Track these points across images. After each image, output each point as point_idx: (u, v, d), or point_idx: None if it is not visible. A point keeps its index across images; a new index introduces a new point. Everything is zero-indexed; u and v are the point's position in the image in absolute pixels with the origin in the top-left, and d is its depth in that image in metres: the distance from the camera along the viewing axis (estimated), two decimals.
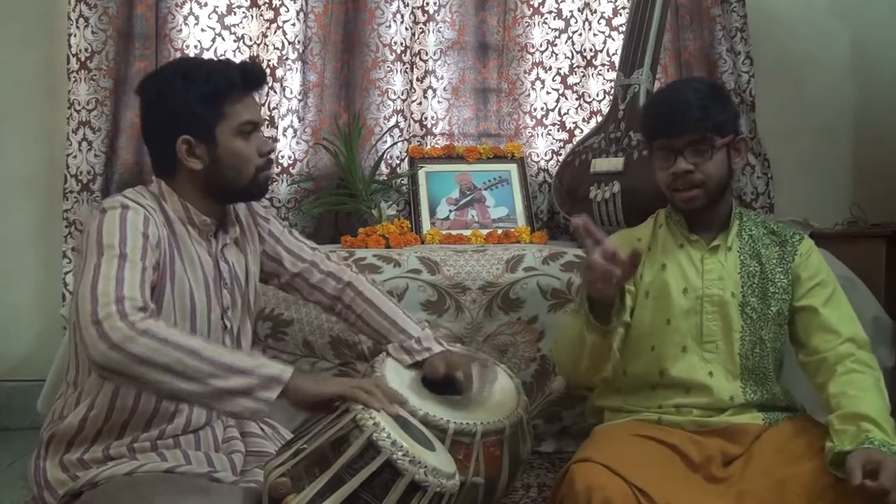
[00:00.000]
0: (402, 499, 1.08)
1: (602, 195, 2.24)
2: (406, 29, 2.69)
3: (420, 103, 2.77)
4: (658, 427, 1.48)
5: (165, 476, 1.21)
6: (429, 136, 2.76)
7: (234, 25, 2.63)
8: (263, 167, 1.39)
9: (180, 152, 1.32)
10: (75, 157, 2.51)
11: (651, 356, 1.52)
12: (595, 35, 2.81)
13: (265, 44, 2.61)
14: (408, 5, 2.69)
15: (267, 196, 2.57)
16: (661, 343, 1.52)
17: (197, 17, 2.60)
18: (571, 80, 2.80)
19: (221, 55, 2.59)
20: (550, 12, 2.78)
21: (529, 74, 2.79)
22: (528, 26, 2.79)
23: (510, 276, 2.05)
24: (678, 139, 1.47)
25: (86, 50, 2.50)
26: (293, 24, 2.59)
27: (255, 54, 2.63)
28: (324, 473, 1.09)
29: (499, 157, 2.70)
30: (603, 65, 2.80)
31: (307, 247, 1.60)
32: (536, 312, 2.04)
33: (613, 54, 2.77)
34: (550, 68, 2.79)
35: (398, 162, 2.68)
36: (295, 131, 2.64)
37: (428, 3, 2.74)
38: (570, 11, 2.79)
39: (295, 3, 2.59)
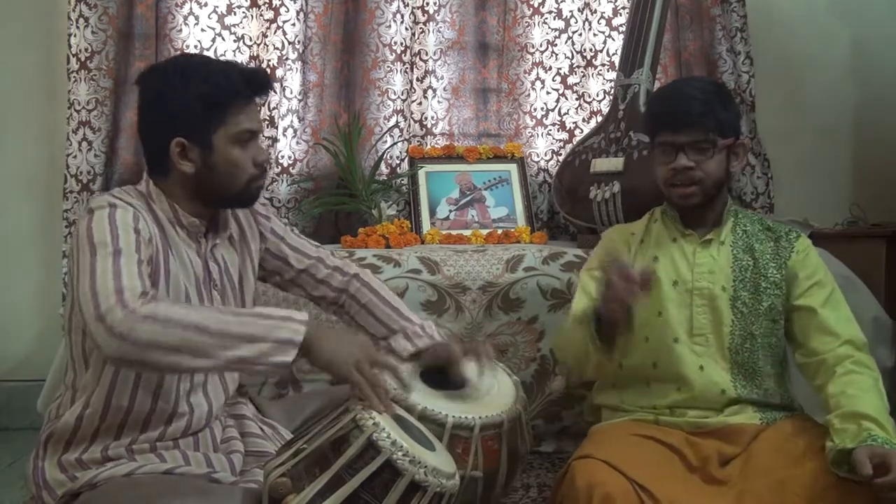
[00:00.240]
0: (402, 499, 1.08)
1: (602, 195, 2.24)
2: (406, 29, 2.69)
3: (420, 103, 2.77)
4: (656, 427, 1.48)
5: (164, 477, 1.21)
6: (429, 136, 2.76)
7: (234, 25, 2.63)
8: (257, 177, 1.35)
9: (173, 154, 1.29)
10: (75, 157, 2.51)
11: (645, 347, 1.53)
12: (595, 35, 2.81)
13: (265, 44, 2.61)
14: (408, 5, 2.69)
15: (267, 196, 2.59)
16: (653, 334, 1.53)
17: (197, 17, 2.60)
18: (571, 80, 2.80)
19: (221, 55, 2.60)
20: (550, 12, 2.78)
21: (529, 74, 2.79)
22: (528, 26, 2.79)
23: (510, 276, 2.05)
24: (681, 135, 1.48)
25: (86, 50, 2.50)
26: (293, 24, 2.60)
27: (255, 54, 2.63)
28: (324, 473, 1.09)
29: (499, 157, 2.70)
30: (603, 65, 2.80)
31: (310, 244, 1.60)
32: (536, 312, 2.04)
33: (613, 54, 2.77)
34: (550, 68, 2.79)
35: (398, 162, 2.68)
36: (295, 131, 2.64)
37: (428, 3, 2.74)
38: (570, 11, 2.79)
39: (295, 3, 2.60)
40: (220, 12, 2.62)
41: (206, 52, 2.60)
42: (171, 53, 2.56)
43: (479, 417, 1.34)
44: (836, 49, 2.99)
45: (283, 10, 2.58)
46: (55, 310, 2.54)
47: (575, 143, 2.62)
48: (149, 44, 2.56)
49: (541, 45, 2.79)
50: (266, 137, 2.58)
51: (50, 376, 2.09)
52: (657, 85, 2.56)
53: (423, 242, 2.46)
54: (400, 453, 1.09)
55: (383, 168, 2.63)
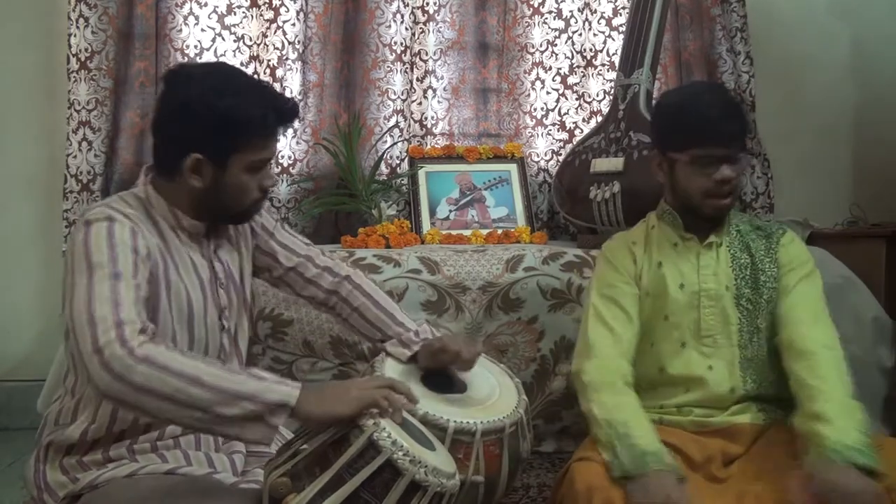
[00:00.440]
0: (403, 498, 1.08)
1: (602, 195, 2.24)
2: (406, 29, 2.69)
3: (420, 103, 2.77)
4: (659, 427, 1.48)
5: (166, 477, 1.21)
6: (429, 136, 2.76)
7: (234, 25, 2.63)
8: (259, 200, 1.35)
9: (185, 167, 1.27)
10: (75, 157, 2.51)
11: (651, 353, 1.54)
12: (595, 35, 2.81)
13: (265, 44, 2.61)
14: (408, 5, 2.69)
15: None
16: (659, 339, 1.54)
17: (197, 17, 2.60)
18: (571, 80, 2.80)
19: (221, 55, 2.60)
20: (550, 12, 2.79)
21: (529, 74, 2.80)
22: (528, 26, 2.79)
23: (510, 276, 2.05)
24: (726, 148, 1.47)
25: (86, 50, 2.50)
26: (293, 24, 2.60)
27: (255, 54, 2.63)
28: (324, 473, 1.09)
29: (499, 157, 2.70)
30: (603, 65, 2.80)
31: (301, 242, 1.58)
32: (536, 312, 2.04)
33: (613, 54, 2.77)
34: (550, 68, 2.79)
35: (398, 162, 2.68)
36: (295, 131, 2.63)
37: (428, 3, 2.74)
38: (570, 11, 2.79)
39: (295, 3, 2.60)
40: (220, 12, 2.62)
41: (206, 53, 2.60)
42: (171, 53, 2.56)
43: (481, 422, 1.34)
44: (836, 49, 2.99)
45: (283, 10, 2.58)
46: (55, 310, 2.52)
47: (575, 143, 2.62)
48: (149, 44, 2.56)
49: (541, 45, 2.79)
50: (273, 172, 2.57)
51: (50, 376, 2.08)
52: (657, 85, 2.56)
53: (423, 242, 2.46)
54: (400, 453, 1.09)
55: (383, 168, 2.63)
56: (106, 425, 1.25)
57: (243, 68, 2.59)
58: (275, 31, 2.59)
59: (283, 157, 2.61)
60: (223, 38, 2.62)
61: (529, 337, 2.05)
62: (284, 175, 2.61)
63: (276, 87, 2.57)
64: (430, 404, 1.35)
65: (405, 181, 2.64)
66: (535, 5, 2.79)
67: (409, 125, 2.74)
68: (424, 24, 2.75)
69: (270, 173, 1.36)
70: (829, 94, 2.97)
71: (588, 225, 2.33)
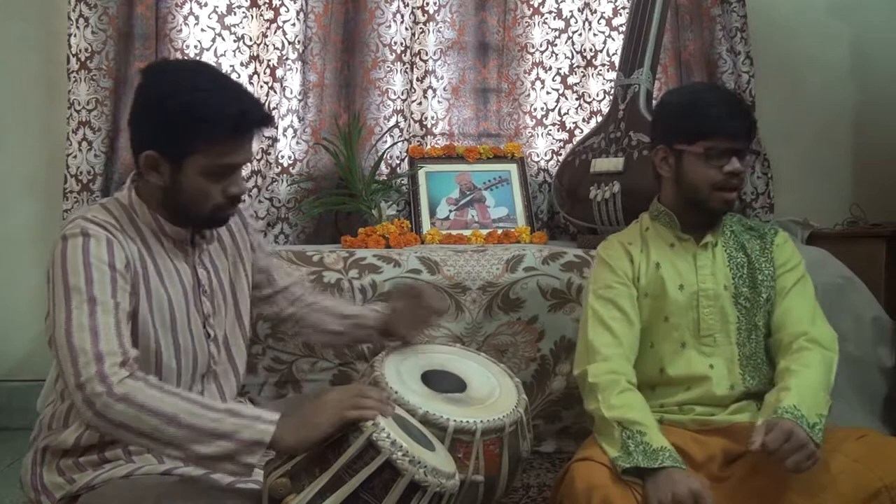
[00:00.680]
0: (402, 499, 1.08)
1: (602, 195, 2.24)
2: (406, 29, 2.69)
3: (420, 103, 2.76)
4: (661, 427, 1.48)
5: (163, 478, 1.21)
6: (429, 136, 2.76)
7: (234, 25, 2.62)
8: (223, 206, 1.29)
9: (142, 163, 1.25)
10: (75, 157, 2.51)
11: (651, 354, 1.55)
12: (595, 35, 2.81)
13: (265, 44, 2.61)
14: (408, 5, 2.69)
15: (267, 196, 2.59)
16: (659, 340, 1.55)
17: (197, 17, 2.59)
18: (571, 80, 2.80)
19: (221, 55, 2.60)
20: (550, 12, 2.78)
21: (529, 74, 2.79)
22: (528, 26, 2.79)
23: (510, 276, 2.05)
24: (739, 141, 1.50)
25: (86, 50, 2.50)
26: (293, 24, 2.59)
27: (255, 54, 2.63)
28: (324, 473, 1.09)
29: (499, 157, 2.70)
30: (603, 65, 2.80)
31: (286, 273, 1.63)
32: (536, 312, 2.04)
33: (613, 54, 2.77)
34: (550, 68, 2.79)
35: (398, 162, 2.68)
36: (295, 131, 2.63)
37: (428, 3, 2.74)
38: (570, 11, 2.79)
39: (295, 3, 2.59)
40: (220, 12, 2.62)
41: (206, 52, 2.59)
42: (171, 53, 2.56)
43: (481, 422, 1.34)
44: (836, 49, 2.99)
45: (283, 10, 2.58)
46: None
47: (575, 143, 2.62)
48: (149, 44, 2.55)
49: (541, 45, 2.79)
50: (266, 137, 2.58)
51: (49, 376, 2.08)
52: (657, 85, 2.56)
53: (423, 242, 2.46)
54: (400, 453, 1.09)
55: (383, 168, 2.63)
56: (99, 434, 1.25)
57: (243, 68, 2.62)
58: (275, 31, 2.59)
59: (283, 157, 2.61)
60: (223, 38, 2.62)
61: (529, 337, 2.05)
62: (284, 175, 2.61)
63: (277, 87, 2.58)
64: (430, 403, 1.35)
65: (405, 181, 2.64)
66: (535, 5, 2.78)
67: (409, 125, 2.73)
68: (424, 24, 2.75)
69: (237, 180, 1.28)
70: (829, 94, 2.97)
71: (588, 225, 2.33)
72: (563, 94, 2.80)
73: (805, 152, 2.95)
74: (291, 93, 2.61)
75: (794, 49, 2.95)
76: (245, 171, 2.47)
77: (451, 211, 2.60)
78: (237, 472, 1.12)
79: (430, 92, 2.75)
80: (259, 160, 2.59)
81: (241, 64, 2.62)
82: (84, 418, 1.11)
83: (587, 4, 2.80)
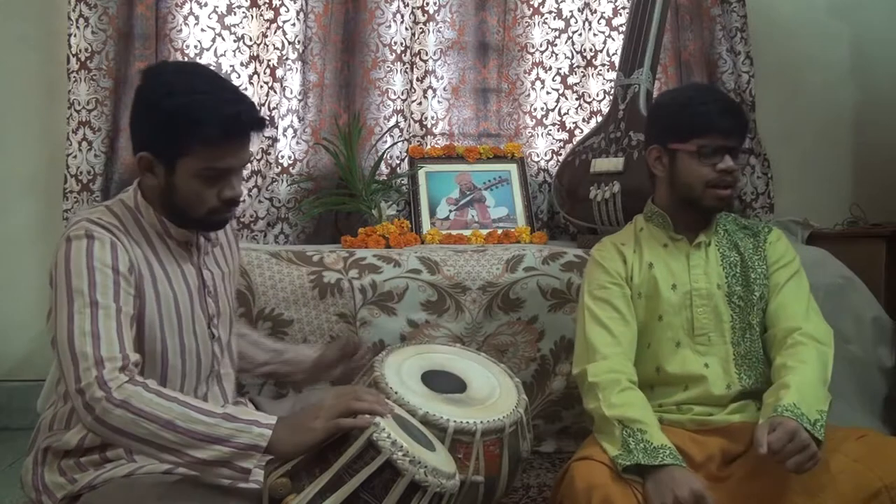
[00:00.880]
0: (402, 499, 1.08)
1: (602, 195, 2.24)
2: (406, 29, 2.69)
3: (420, 103, 2.76)
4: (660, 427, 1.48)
5: (164, 477, 1.21)
6: (429, 136, 2.76)
7: (234, 25, 2.62)
8: (218, 209, 1.28)
9: (138, 164, 1.26)
10: (75, 157, 2.51)
11: (647, 353, 1.55)
12: (595, 35, 2.81)
13: (265, 44, 2.61)
14: (408, 5, 2.69)
15: (267, 196, 2.59)
16: (655, 340, 1.55)
17: (197, 17, 2.59)
18: (571, 80, 2.80)
19: (221, 55, 2.60)
20: (550, 12, 2.78)
21: (529, 74, 2.79)
22: (528, 26, 2.79)
23: (510, 276, 2.05)
24: (732, 138, 1.52)
25: (86, 50, 2.50)
26: (293, 24, 2.59)
27: (255, 54, 2.63)
28: (324, 474, 1.09)
29: (499, 157, 2.70)
30: (603, 65, 2.80)
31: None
32: (536, 312, 2.04)
33: (613, 54, 2.77)
34: (550, 68, 2.79)
35: (398, 162, 2.68)
36: (295, 131, 2.63)
37: (428, 3, 2.73)
38: (570, 11, 2.79)
39: (295, 3, 2.59)
40: (220, 12, 2.61)
41: (206, 53, 2.59)
42: (171, 53, 2.56)
43: (481, 422, 1.34)
44: (836, 49, 2.99)
45: (283, 10, 2.58)
46: None
47: (575, 143, 2.62)
48: (149, 44, 2.55)
49: (541, 45, 2.79)
50: (266, 137, 2.58)
51: (50, 376, 2.09)
52: (657, 85, 2.56)
53: (423, 242, 2.46)
54: (400, 453, 1.09)
55: (383, 168, 2.63)
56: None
57: (243, 68, 2.61)
58: (275, 31, 2.59)
59: (283, 157, 2.61)
60: (223, 38, 2.62)
61: (529, 337, 2.05)
62: (284, 175, 2.61)
63: (277, 87, 2.58)
64: (430, 404, 1.36)
65: (405, 181, 2.64)
66: (535, 5, 2.78)
67: (409, 125, 2.73)
68: (424, 24, 2.75)
69: (233, 184, 1.27)
70: (829, 94, 2.97)
71: (588, 225, 2.33)
72: (563, 94, 2.80)
73: (805, 152, 2.95)
74: (291, 93, 2.61)
75: (794, 49, 2.95)
76: (245, 171, 2.46)
77: (451, 211, 2.60)
78: (234, 476, 1.12)
79: (430, 92, 2.75)
80: (259, 160, 2.59)
81: (241, 64, 2.62)
82: (84, 423, 1.12)
83: (587, 4, 2.80)
